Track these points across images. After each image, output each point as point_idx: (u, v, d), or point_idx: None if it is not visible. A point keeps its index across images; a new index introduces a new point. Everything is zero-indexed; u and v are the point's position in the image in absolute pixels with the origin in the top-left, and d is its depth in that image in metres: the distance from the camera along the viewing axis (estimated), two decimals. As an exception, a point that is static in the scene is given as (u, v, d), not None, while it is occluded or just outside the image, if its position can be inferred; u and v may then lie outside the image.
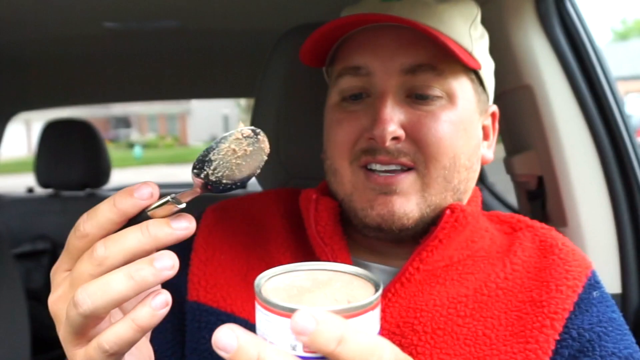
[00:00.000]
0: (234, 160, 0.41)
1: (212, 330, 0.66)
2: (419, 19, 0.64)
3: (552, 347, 0.61)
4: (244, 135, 0.41)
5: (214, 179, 0.41)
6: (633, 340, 0.65)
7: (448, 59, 0.66)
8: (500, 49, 1.10)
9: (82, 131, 2.06)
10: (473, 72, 0.70)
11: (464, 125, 0.67)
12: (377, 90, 0.66)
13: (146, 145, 29.85)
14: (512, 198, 1.36)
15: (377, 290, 0.39)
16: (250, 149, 0.41)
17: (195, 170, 0.41)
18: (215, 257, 0.72)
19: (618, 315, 0.66)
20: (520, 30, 1.04)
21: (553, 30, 1.02)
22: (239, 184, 0.42)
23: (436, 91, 0.65)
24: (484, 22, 1.17)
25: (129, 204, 0.41)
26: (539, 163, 1.09)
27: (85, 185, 2.05)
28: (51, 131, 2.04)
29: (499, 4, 1.07)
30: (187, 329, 0.70)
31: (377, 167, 0.65)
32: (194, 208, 0.80)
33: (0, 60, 1.65)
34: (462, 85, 0.68)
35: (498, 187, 1.89)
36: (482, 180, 1.94)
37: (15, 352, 1.58)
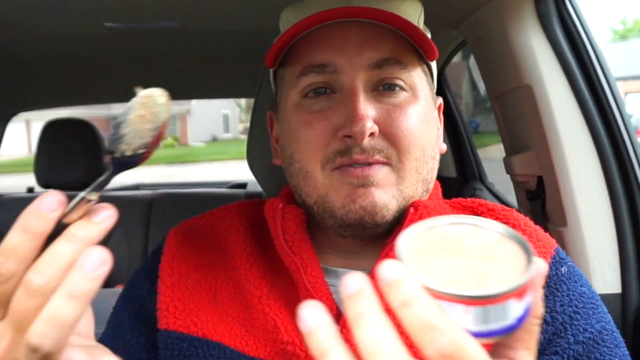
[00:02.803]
0: (145, 127, 0.40)
1: (185, 357, 0.66)
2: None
3: None
4: (147, 96, 0.40)
5: (130, 153, 0.40)
6: (605, 311, 0.65)
7: (408, 53, 0.67)
8: (500, 49, 1.10)
9: (82, 131, 2.06)
10: (425, 64, 0.71)
11: (427, 117, 0.67)
12: (346, 86, 0.64)
13: (146, 145, 29.72)
14: (512, 198, 1.36)
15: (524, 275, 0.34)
16: (155, 109, 0.40)
17: (110, 150, 0.40)
18: (181, 281, 0.71)
19: (587, 288, 0.66)
20: (520, 30, 1.04)
21: (553, 30, 1.02)
22: (151, 149, 0.41)
23: (400, 83, 0.66)
24: (484, 22, 1.17)
25: (41, 224, 0.38)
26: (538, 163, 1.09)
27: (86, 185, 2.04)
28: (51, 131, 2.04)
29: (499, 4, 1.07)
30: (160, 358, 0.68)
31: (353, 166, 0.63)
32: (160, 233, 0.78)
33: (0, 60, 1.65)
34: (420, 78, 0.68)
35: (498, 187, 1.89)
36: (482, 180, 1.94)
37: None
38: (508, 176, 1.24)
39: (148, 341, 0.70)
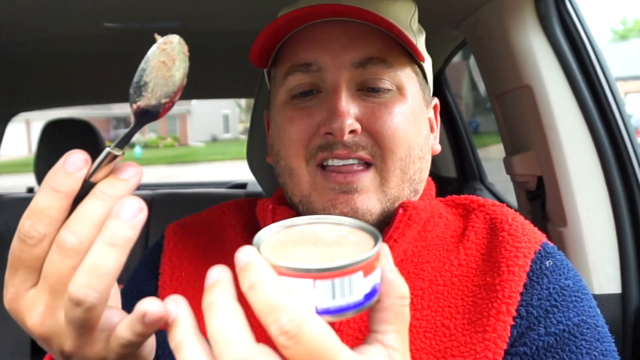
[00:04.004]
0: (166, 74, 0.39)
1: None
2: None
3: (509, 333, 0.61)
4: (167, 42, 0.39)
5: (154, 102, 0.40)
6: (591, 305, 0.64)
7: (396, 52, 0.66)
8: (500, 49, 1.10)
9: (82, 131, 2.05)
10: (417, 64, 0.70)
11: (414, 117, 0.67)
12: (329, 85, 0.65)
13: (146, 145, 29.87)
14: (512, 198, 1.36)
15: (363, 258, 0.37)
16: (175, 56, 0.40)
17: (134, 100, 0.39)
18: (174, 277, 0.71)
19: (573, 282, 0.65)
20: (520, 30, 1.04)
21: (553, 30, 1.02)
22: (174, 98, 0.40)
23: (386, 84, 0.66)
24: (484, 22, 1.17)
25: (69, 182, 0.38)
26: (538, 163, 1.09)
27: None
28: (51, 131, 2.04)
29: (499, 4, 1.07)
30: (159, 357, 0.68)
31: (335, 162, 0.64)
32: (159, 233, 0.79)
33: (0, 60, 1.65)
34: (409, 78, 0.68)
35: (498, 187, 1.89)
36: (482, 180, 1.94)
37: (15, 352, 1.58)
38: (508, 176, 1.24)
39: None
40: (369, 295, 0.36)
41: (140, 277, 0.75)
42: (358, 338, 0.63)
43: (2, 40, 1.43)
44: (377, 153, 0.64)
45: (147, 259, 0.76)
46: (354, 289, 0.35)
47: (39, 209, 0.38)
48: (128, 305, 0.73)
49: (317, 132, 0.64)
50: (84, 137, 2.05)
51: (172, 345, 0.35)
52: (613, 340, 0.63)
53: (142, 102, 0.39)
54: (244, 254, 0.35)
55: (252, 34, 0.66)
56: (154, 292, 0.72)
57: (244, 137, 1.52)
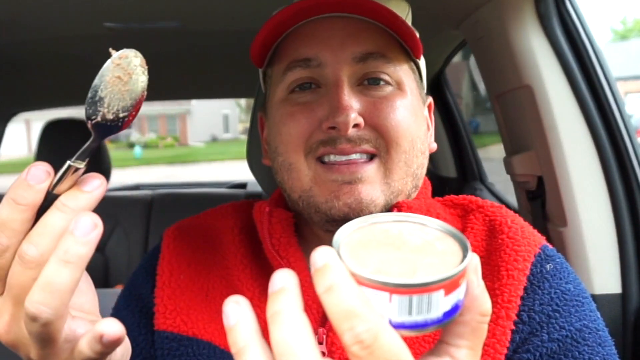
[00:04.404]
0: (123, 88, 0.39)
1: (175, 357, 0.66)
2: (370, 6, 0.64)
3: (509, 338, 0.60)
4: (122, 57, 0.39)
5: (111, 117, 0.39)
6: (592, 308, 0.64)
7: (394, 48, 0.67)
8: (500, 49, 1.10)
9: (82, 131, 2.05)
10: (413, 62, 0.71)
11: (415, 111, 0.67)
12: (330, 80, 0.64)
13: (146, 145, 29.88)
14: (512, 198, 1.37)
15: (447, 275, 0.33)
16: (131, 70, 0.39)
17: (90, 116, 0.39)
18: (172, 279, 0.71)
19: (574, 286, 0.64)
20: (520, 30, 1.04)
21: (553, 30, 1.03)
22: (134, 112, 0.40)
23: (385, 77, 0.66)
24: (484, 22, 1.17)
25: (31, 195, 0.38)
26: (538, 163, 1.09)
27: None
28: (51, 131, 2.04)
29: (498, 4, 1.07)
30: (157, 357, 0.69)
31: (337, 157, 0.63)
32: (159, 233, 0.78)
33: (0, 60, 1.65)
34: (406, 74, 0.68)
35: (498, 187, 1.89)
36: (482, 180, 1.95)
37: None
38: (508, 176, 1.24)
39: (154, 339, 0.70)
40: (448, 313, 0.34)
41: (138, 279, 0.75)
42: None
43: (2, 40, 1.43)
44: (381, 145, 0.64)
45: (146, 262, 0.77)
46: (432, 307, 0.33)
47: (1, 221, 0.39)
48: (126, 306, 0.74)
49: (318, 127, 0.63)
50: (84, 137, 2.04)
51: (234, 350, 0.34)
52: (613, 342, 0.63)
53: (99, 118, 0.39)
54: (320, 256, 0.34)
55: (252, 34, 0.66)
56: (150, 293, 0.72)
57: (244, 137, 1.52)
